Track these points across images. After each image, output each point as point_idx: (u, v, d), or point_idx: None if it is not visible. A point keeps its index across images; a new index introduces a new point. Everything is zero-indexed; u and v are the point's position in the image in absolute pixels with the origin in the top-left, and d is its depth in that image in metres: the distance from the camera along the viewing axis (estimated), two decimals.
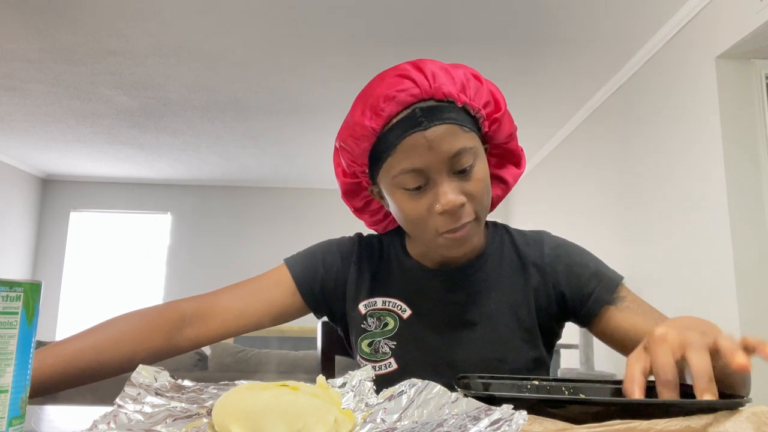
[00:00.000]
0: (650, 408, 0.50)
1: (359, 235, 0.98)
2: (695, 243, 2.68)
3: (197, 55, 3.43)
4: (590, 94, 3.87)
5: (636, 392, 0.54)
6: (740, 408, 0.49)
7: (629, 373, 0.56)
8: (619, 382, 0.64)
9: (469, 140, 0.78)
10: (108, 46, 3.31)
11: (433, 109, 0.76)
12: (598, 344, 3.62)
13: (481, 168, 0.80)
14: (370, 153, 0.81)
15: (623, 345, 0.85)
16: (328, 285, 0.92)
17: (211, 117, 4.55)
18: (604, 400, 0.53)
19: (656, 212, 3.07)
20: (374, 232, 1.01)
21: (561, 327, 0.95)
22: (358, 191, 0.91)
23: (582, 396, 0.63)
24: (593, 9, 2.81)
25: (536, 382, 0.65)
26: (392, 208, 0.84)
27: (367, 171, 0.84)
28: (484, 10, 2.85)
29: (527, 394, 0.59)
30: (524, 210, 5.85)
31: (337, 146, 0.86)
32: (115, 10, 2.91)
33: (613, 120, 3.69)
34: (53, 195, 6.76)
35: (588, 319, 0.89)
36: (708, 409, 0.49)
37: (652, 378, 0.56)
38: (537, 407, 0.50)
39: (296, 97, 4.09)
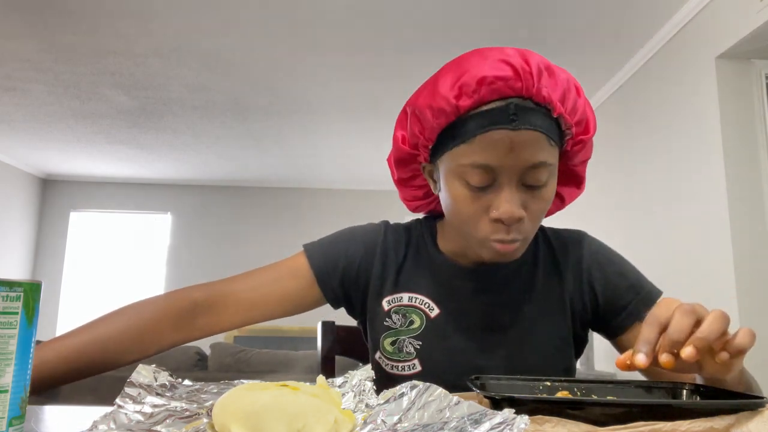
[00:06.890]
0: (672, 409, 0.50)
1: (386, 224, 0.92)
2: (695, 242, 2.68)
3: (197, 55, 3.43)
4: (590, 94, 3.87)
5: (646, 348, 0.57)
6: (761, 409, 0.50)
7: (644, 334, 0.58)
8: (626, 383, 0.64)
9: (551, 155, 0.73)
10: (108, 46, 3.31)
11: (528, 110, 0.70)
12: (598, 344, 3.62)
13: (550, 189, 0.75)
14: (443, 131, 0.73)
15: None
16: (350, 277, 0.87)
17: (211, 117, 4.55)
18: (628, 402, 0.54)
19: (656, 212, 3.07)
20: (401, 222, 0.95)
21: (587, 333, 0.90)
22: (410, 162, 0.83)
23: (594, 397, 0.63)
24: (593, 9, 2.81)
25: (548, 383, 0.65)
26: (443, 195, 0.78)
27: (430, 147, 0.77)
28: (484, 10, 2.85)
29: (550, 396, 0.58)
30: None
31: (408, 111, 0.79)
32: (115, 10, 2.91)
33: (613, 120, 3.69)
34: (53, 195, 6.76)
35: (617, 332, 0.85)
36: (730, 410, 0.49)
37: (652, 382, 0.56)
38: (556, 408, 0.50)
39: (296, 97, 4.09)
